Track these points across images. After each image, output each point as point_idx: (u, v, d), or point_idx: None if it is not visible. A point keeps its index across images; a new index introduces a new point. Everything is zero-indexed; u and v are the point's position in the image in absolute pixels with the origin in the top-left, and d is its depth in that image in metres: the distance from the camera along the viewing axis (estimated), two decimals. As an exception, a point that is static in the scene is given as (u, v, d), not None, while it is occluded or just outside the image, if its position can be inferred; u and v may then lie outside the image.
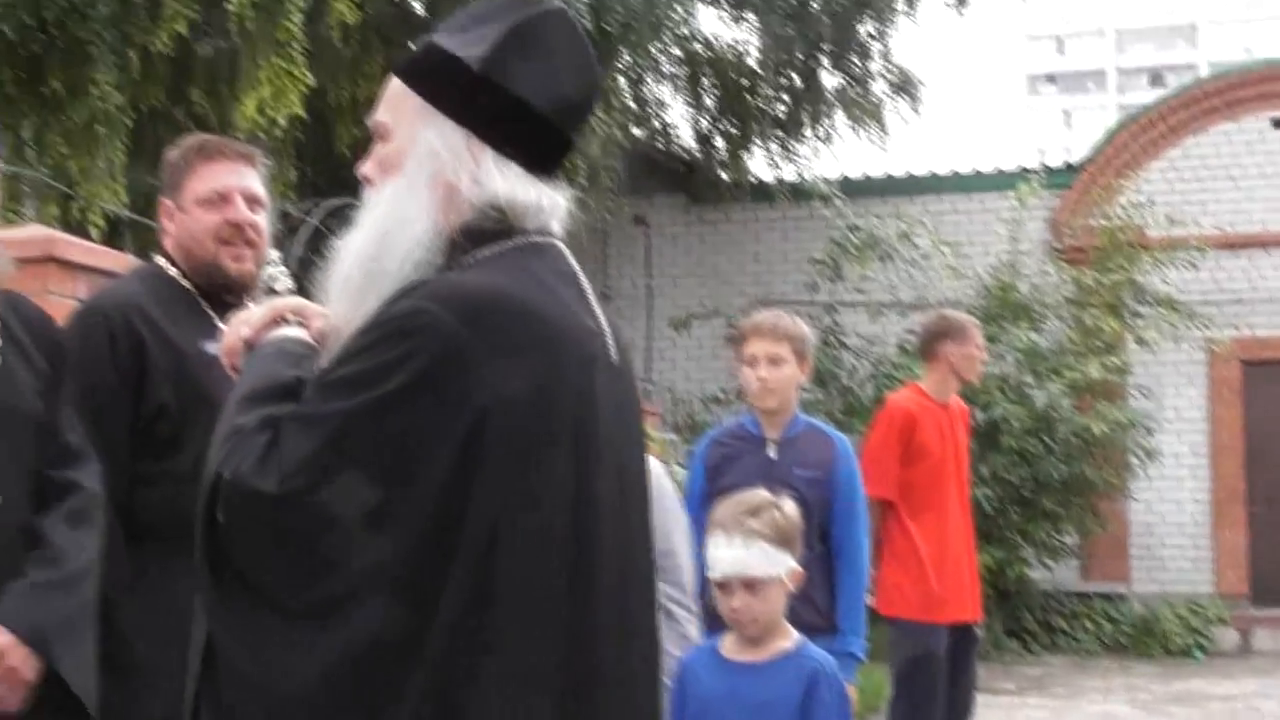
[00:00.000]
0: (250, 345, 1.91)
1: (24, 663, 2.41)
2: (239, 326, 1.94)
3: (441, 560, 1.61)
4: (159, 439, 2.87)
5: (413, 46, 1.88)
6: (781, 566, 3.04)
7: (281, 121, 8.91)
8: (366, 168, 1.86)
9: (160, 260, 3.13)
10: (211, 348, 2.81)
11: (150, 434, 2.88)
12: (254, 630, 1.66)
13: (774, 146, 12.98)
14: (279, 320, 1.92)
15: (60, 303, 3.73)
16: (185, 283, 3.05)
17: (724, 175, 13.04)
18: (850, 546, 4.26)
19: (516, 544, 1.65)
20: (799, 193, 12.61)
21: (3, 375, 2.60)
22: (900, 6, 12.66)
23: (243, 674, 1.67)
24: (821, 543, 4.14)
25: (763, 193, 13.02)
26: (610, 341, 1.83)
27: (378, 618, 1.61)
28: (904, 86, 13.07)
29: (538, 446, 1.68)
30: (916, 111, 13.28)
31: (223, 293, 3.03)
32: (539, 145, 1.82)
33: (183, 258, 3.06)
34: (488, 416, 1.63)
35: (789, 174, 12.99)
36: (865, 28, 12.64)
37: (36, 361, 2.68)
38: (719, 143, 13.11)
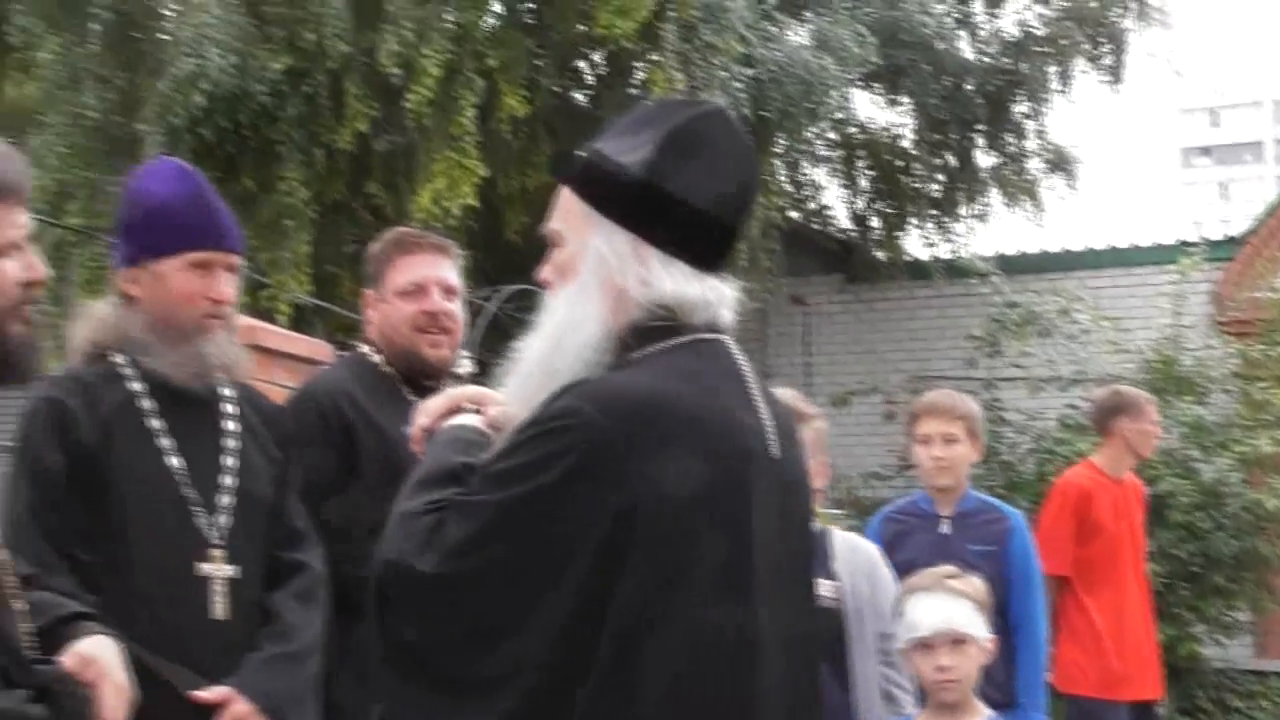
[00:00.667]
0: (430, 432, 2.04)
1: None
2: (420, 414, 2.08)
3: (587, 648, 1.69)
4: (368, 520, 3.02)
5: (580, 153, 1.99)
6: (982, 630, 3.05)
7: (455, 211, 9.26)
8: (545, 273, 1.95)
9: (364, 348, 3.37)
10: None
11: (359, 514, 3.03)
12: (416, 704, 1.77)
13: (929, 225, 13.06)
14: (458, 408, 2.04)
15: (262, 388, 4.01)
16: (388, 368, 3.29)
17: (880, 254, 13.14)
18: (1028, 622, 4.28)
19: (663, 636, 1.70)
20: (955, 270, 12.64)
21: (242, 463, 2.85)
22: (1054, 85, 12.71)
23: None
24: (1000, 618, 4.11)
25: (919, 271, 13.08)
26: (771, 435, 1.87)
27: (525, 699, 1.69)
28: (1060, 163, 13.07)
29: (686, 540, 1.73)
30: (1072, 188, 13.26)
31: (421, 378, 3.24)
32: (703, 242, 1.89)
33: (384, 345, 3.29)
34: (635, 511, 1.70)
35: (944, 252, 13.05)
36: (1020, 107, 12.70)
37: (270, 450, 2.93)
38: (874, 222, 13.24)
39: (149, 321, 2.82)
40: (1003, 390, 11.97)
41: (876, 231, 13.21)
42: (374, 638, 1.82)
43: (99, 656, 1.86)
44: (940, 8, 11.78)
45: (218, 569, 2.73)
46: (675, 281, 1.85)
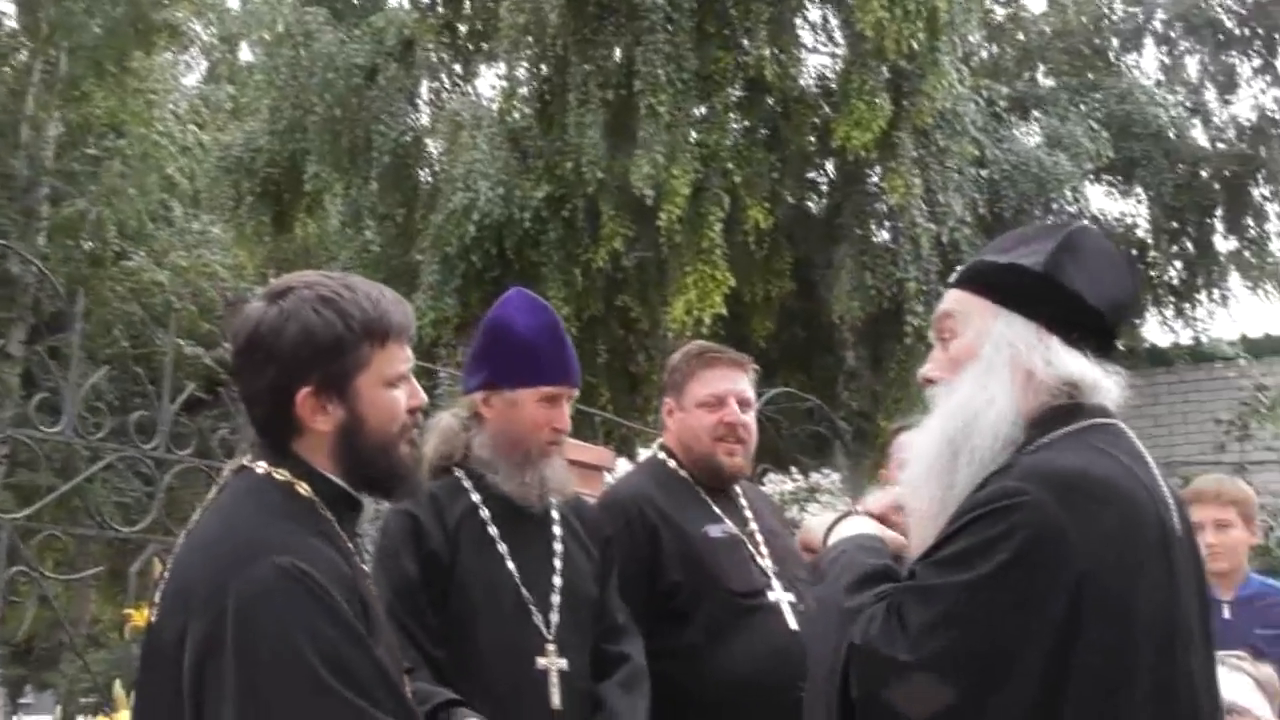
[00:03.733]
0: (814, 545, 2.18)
1: None
2: (818, 527, 2.22)
3: (1050, 712, 1.78)
4: (671, 615, 3.22)
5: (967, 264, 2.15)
6: (1265, 710, 2.97)
7: (706, 320, 9.69)
8: (929, 371, 2.08)
9: (660, 454, 3.52)
10: (714, 531, 3.30)
11: (664, 611, 3.23)
12: None
13: (1168, 311, 13.01)
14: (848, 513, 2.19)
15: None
16: (683, 473, 3.42)
17: (1118, 343, 13.13)
18: (1328, 704, 4.19)
19: (1113, 700, 1.79)
20: (1197, 355, 12.53)
21: (568, 564, 3.04)
22: (1295, 166, 12.63)
23: None
24: (1296, 702, 4.05)
25: (1159, 357, 12.99)
26: (1174, 512, 1.94)
27: None
28: (1303, 244, 12.93)
29: (1129, 609, 1.81)
30: (1317, 268, 13.07)
31: (714, 483, 3.40)
32: (1093, 335, 2.00)
33: (682, 452, 3.44)
34: (1083, 585, 1.77)
35: (1185, 338, 12.96)
36: (1259, 190, 12.64)
37: (592, 552, 3.12)
38: (1109, 311, 13.25)
39: (495, 442, 3.04)
40: (1255, 474, 11.74)
41: (1112, 320, 13.21)
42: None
43: None
44: (1172, 98, 11.86)
45: (553, 662, 2.92)
46: (1079, 362, 1.96)
